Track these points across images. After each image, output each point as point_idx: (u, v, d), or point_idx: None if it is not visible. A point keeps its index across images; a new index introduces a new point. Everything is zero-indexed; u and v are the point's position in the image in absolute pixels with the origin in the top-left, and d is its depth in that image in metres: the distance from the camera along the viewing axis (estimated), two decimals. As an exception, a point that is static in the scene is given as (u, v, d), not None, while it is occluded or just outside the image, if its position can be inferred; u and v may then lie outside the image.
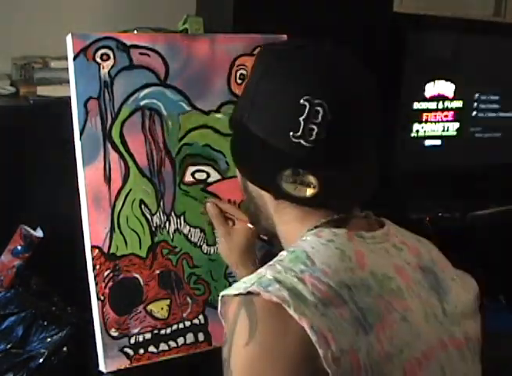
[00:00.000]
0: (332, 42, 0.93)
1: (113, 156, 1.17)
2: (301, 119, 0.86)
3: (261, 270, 0.84)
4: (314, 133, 0.85)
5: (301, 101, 0.85)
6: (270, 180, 0.90)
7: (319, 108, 0.85)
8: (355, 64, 0.93)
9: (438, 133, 2.34)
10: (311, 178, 0.88)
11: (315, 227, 0.90)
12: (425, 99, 2.28)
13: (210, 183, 1.25)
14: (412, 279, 0.89)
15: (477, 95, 2.40)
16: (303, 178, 0.88)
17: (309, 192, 0.88)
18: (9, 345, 1.39)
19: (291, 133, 0.86)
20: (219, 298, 0.86)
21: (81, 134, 1.15)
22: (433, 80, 2.27)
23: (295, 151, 0.87)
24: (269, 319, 0.77)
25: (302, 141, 0.86)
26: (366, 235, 0.90)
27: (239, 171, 1.01)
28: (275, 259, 0.86)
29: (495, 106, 2.45)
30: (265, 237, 1.29)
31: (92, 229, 1.15)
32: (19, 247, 1.57)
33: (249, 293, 0.79)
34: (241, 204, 1.22)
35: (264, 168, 0.92)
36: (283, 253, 0.87)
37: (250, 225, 1.15)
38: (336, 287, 0.79)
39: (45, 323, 1.41)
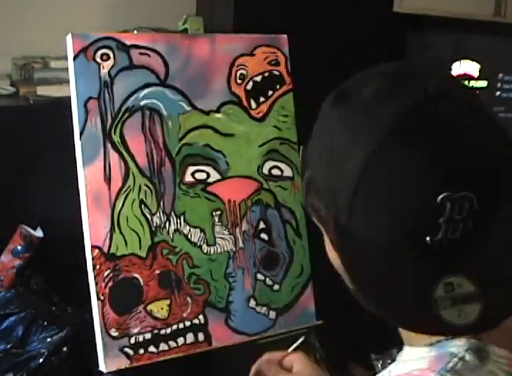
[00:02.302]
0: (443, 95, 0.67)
1: (113, 156, 1.17)
2: (440, 221, 0.64)
3: None
4: (459, 228, 0.65)
5: (439, 199, 0.64)
6: (421, 313, 0.66)
7: (464, 202, 0.64)
8: (487, 128, 0.69)
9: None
10: (469, 287, 0.65)
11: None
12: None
13: (210, 183, 1.25)
14: None
15: (500, 75, 2.44)
16: (459, 290, 0.65)
17: (476, 311, 0.65)
18: (9, 345, 1.39)
19: (428, 238, 0.65)
20: None
21: (81, 134, 1.15)
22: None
23: (436, 255, 0.65)
24: None
25: (444, 242, 0.65)
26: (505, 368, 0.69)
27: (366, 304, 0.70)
28: None
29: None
30: (266, 238, 1.29)
31: (92, 229, 1.15)
32: (19, 247, 1.57)
33: None
34: None
35: (403, 293, 0.67)
36: None
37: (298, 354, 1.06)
38: None
39: (45, 323, 1.41)
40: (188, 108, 1.24)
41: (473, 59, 2.32)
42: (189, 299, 1.22)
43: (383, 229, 0.67)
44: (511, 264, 0.69)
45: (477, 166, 0.66)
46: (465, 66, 2.33)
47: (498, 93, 2.44)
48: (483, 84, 2.38)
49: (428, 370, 0.67)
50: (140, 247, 1.18)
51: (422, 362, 0.68)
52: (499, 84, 2.44)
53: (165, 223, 1.21)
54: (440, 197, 0.64)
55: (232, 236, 1.26)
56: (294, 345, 1.08)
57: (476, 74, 2.35)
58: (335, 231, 0.70)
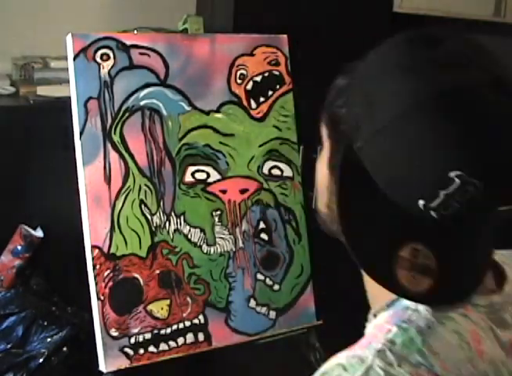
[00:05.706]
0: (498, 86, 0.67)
1: (113, 156, 1.17)
2: (441, 192, 0.66)
3: (367, 355, 0.67)
4: (451, 208, 0.67)
5: (451, 174, 0.65)
6: (381, 263, 0.71)
7: (470, 188, 0.66)
8: None
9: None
10: (431, 261, 0.70)
11: None
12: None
13: (210, 183, 1.25)
14: None
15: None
16: (421, 260, 0.70)
17: (427, 284, 0.70)
18: (9, 345, 1.39)
19: (421, 201, 0.67)
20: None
21: (81, 134, 1.15)
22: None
23: (419, 220, 0.68)
24: None
25: (432, 212, 0.68)
26: (482, 303, 0.73)
27: (340, 225, 0.73)
28: (382, 335, 0.69)
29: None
30: (266, 238, 1.29)
31: (92, 229, 1.15)
32: (19, 247, 1.57)
33: None
34: None
35: (375, 239, 0.72)
36: (392, 329, 0.69)
37: None
38: None
39: (45, 323, 1.42)
40: (188, 108, 1.24)
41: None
42: (189, 299, 1.22)
43: (384, 170, 0.68)
44: (475, 265, 0.74)
45: (502, 168, 0.67)
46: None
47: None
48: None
49: (384, 323, 0.71)
50: (140, 247, 1.18)
51: (380, 319, 0.72)
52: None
53: (165, 223, 1.21)
54: (455, 172, 0.65)
55: (232, 236, 1.26)
56: None
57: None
58: (345, 150, 0.72)
